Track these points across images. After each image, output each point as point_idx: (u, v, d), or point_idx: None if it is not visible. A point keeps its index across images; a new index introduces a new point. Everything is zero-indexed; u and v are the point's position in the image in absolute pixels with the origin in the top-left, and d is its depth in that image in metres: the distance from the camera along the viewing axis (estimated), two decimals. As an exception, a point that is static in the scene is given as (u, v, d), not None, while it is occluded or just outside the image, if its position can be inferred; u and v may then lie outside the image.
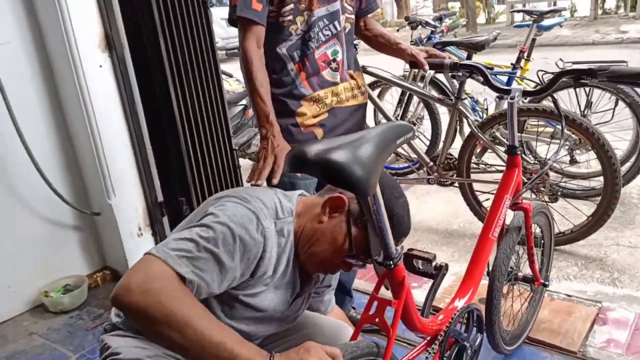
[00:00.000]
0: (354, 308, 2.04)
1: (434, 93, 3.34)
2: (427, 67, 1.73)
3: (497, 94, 3.40)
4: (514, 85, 3.05)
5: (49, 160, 2.36)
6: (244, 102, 4.30)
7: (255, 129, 4.65)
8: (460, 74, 1.70)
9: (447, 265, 1.32)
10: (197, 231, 1.00)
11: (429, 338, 1.36)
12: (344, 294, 1.98)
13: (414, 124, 3.64)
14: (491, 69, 1.58)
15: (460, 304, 1.41)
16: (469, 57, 2.99)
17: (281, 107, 1.59)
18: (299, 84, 1.60)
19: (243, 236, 1.02)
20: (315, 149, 0.95)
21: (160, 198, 2.56)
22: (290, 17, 1.55)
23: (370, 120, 3.60)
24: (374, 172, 0.95)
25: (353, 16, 1.71)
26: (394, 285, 1.17)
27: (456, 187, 2.86)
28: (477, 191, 2.66)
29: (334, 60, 1.63)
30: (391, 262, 1.13)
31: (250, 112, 4.42)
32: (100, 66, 2.27)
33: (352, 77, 1.71)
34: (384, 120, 3.61)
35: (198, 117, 2.46)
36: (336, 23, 1.62)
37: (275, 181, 1.41)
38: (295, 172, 0.96)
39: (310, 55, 1.59)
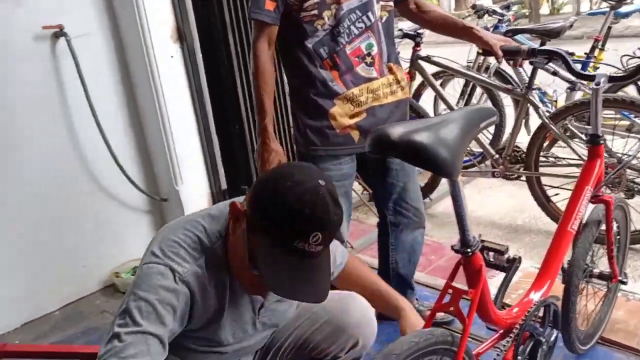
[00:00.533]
0: (417, 299, 2.01)
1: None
2: (501, 58, 1.66)
3: (569, 85, 3.26)
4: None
5: (123, 147, 2.48)
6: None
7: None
8: (537, 60, 1.63)
9: (520, 258, 1.28)
10: (116, 323, 1.00)
11: (501, 331, 1.33)
12: (405, 286, 1.96)
13: (477, 117, 3.54)
14: (572, 54, 1.50)
15: (536, 297, 1.36)
16: (542, 46, 2.86)
17: (313, 107, 1.53)
18: (330, 82, 1.52)
19: (161, 296, 1.01)
20: (399, 131, 0.94)
21: (224, 186, 2.63)
22: (316, 12, 1.48)
23: (431, 110, 3.54)
24: (459, 155, 0.93)
25: (391, 3, 1.60)
26: (470, 273, 1.14)
27: (521, 181, 2.76)
28: (546, 185, 2.55)
29: (369, 54, 1.54)
30: (469, 250, 1.11)
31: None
32: (172, 57, 2.36)
33: (391, 71, 1.61)
34: (446, 111, 3.53)
35: (261, 107, 2.51)
36: (370, 14, 1.52)
37: None
38: (377, 155, 0.94)
39: (341, 52, 1.51)
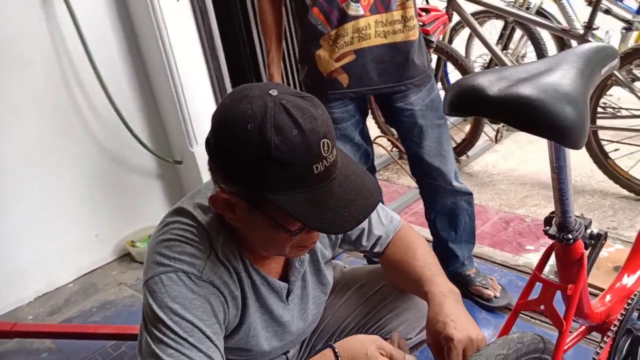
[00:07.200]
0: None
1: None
2: None
3: (624, 25, 2.90)
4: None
5: (129, 106, 2.22)
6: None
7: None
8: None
9: (606, 234, 1.04)
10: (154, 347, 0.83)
11: (587, 324, 1.10)
12: (446, 253, 1.74)
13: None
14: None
15: (629, 281, 1.12)
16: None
17: (303, 48, 1.49)
18: (314, 21, 1.40)
19: (192, 306, 0.84)
20: (495, 84, 0.67)
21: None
22: None
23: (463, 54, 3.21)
24: (586, 112, 0.67)
25: None
26: (567, 264, 0.90)
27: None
28: (603, 140, 2.26)
29: None
30: (570, 236, 0.87)
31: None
32: (177, 0, 2.06)
33: (402, 6, 1.40)
34: (482, 56, 3.19)
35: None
36: None
37: None
38: (467, 116, 0.70)
39: None
